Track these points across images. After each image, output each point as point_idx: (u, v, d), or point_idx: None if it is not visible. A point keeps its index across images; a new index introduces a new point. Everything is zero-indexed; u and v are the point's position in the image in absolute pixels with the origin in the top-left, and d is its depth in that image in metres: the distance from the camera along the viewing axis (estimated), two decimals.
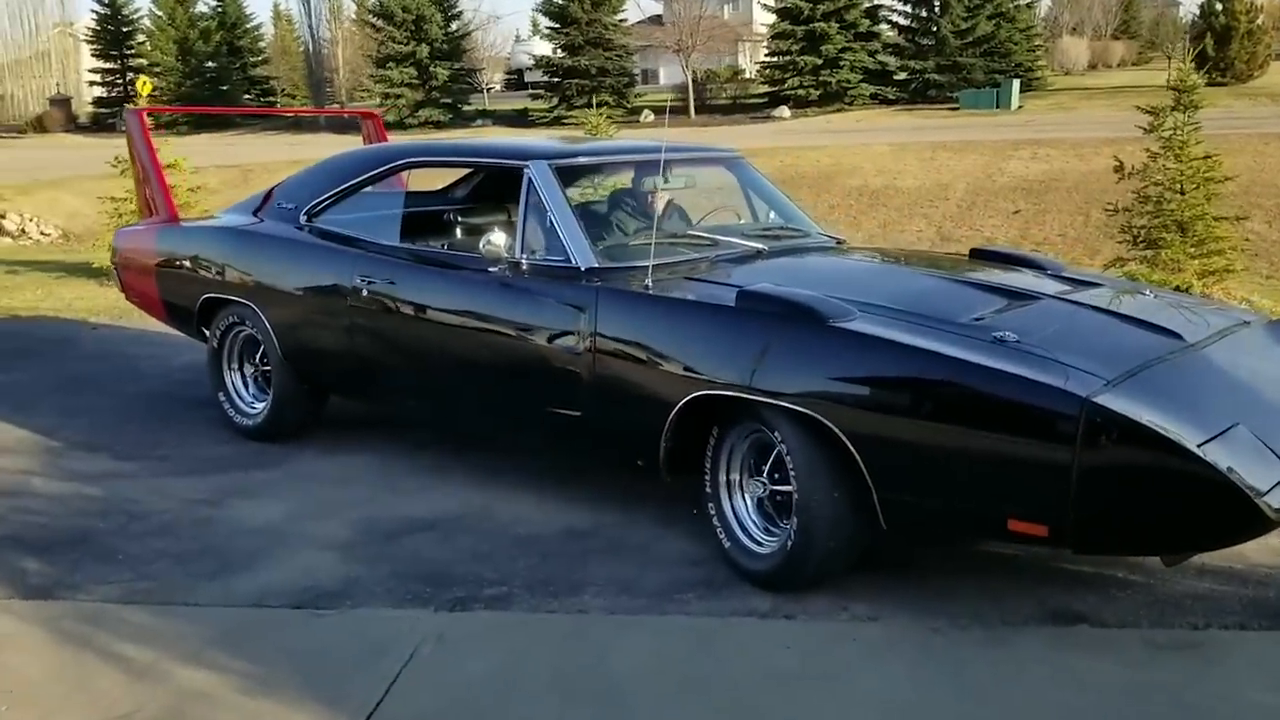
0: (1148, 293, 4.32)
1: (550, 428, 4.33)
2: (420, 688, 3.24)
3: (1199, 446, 3.02)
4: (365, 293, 4.85)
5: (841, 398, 3.46)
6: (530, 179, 4.50)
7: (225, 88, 50.57)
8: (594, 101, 40.39)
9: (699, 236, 4.70)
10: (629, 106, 43.34)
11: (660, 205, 5.10)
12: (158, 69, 50.42)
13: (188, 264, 5.74)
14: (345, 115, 29.39)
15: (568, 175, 4.57)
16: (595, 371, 4.08)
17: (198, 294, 5.66)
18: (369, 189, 5.24)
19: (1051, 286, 4.17)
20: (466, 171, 5.96)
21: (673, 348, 3.90)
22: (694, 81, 44.78)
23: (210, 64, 51.31)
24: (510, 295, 4.37)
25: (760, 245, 4.62)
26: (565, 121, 39.46)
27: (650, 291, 4.01)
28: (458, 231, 5.52)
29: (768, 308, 3.71)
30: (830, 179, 17.64)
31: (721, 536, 3.91)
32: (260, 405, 5.56)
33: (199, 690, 3.23)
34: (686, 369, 3.83)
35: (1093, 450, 3.05)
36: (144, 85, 9.36)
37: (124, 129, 6.34)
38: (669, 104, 39.69)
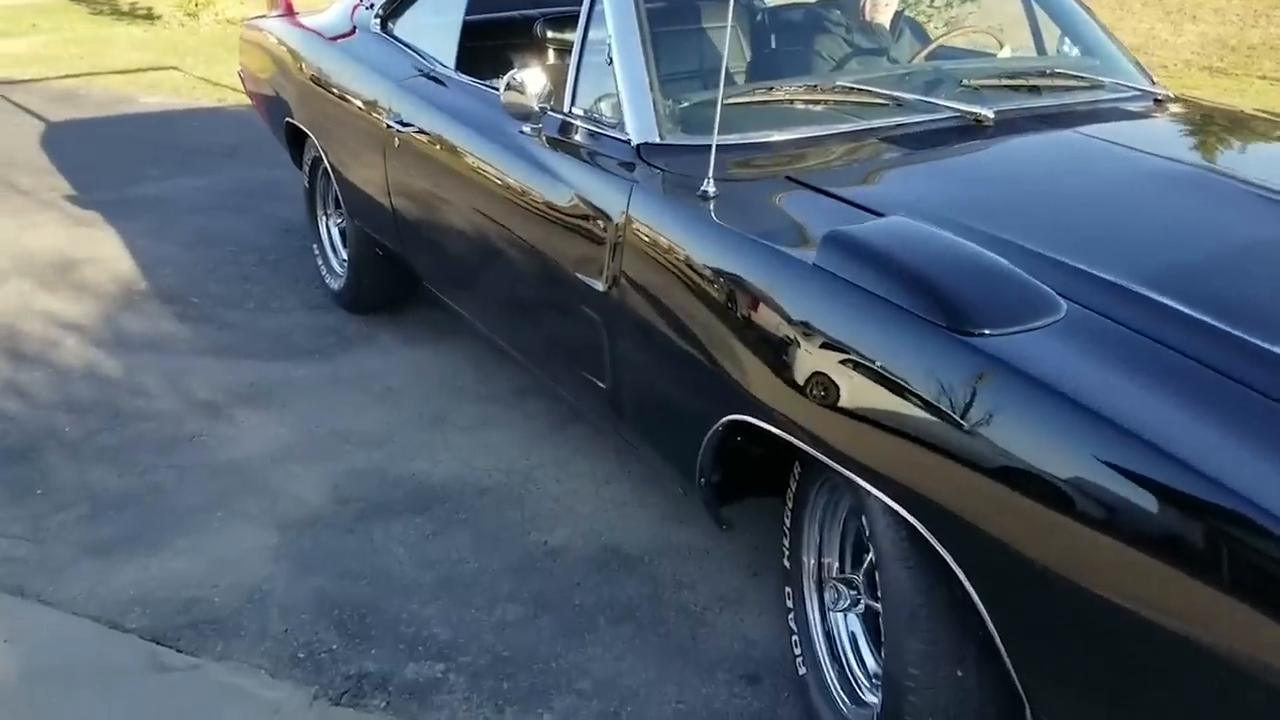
0: None
1: (580, 392, 2.72)
2: None
3: None
4: (396, 142, 3.34)
5: (962, 493, 1.61)
6: None
7: None
8: None
9: (869, 91, 2.69)
10: None
11: (875, 15, 3.19)
12: None
13: (276, 75, 4.45)
14: None
15: None
16: (617, 324, 2.39)
17: (282, 116, 4.38)
18: None
19: None
20: None
21: (714, 321, 2.11)
22: None
23: None
24: (536, 175, 2.69)
25: (985, 111, 2.59)
26: None
27: (709, 201, 2.22)
28: (549, 56, 3.73)
29: (865, 277, 1.82)
30: None
31: (796, 651, 2.21)
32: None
33: None
34: (729, 368, 2.06)
35: None
36: None
37: None
38: None
